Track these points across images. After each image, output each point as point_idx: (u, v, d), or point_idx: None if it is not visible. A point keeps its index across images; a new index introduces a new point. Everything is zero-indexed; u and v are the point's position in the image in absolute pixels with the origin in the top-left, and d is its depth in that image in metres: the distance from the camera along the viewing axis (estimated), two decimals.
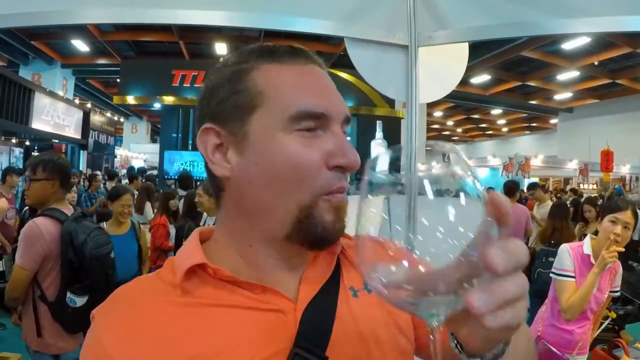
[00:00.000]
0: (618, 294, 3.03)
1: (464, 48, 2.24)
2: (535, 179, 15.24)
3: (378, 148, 12.53)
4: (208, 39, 15.92)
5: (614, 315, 4.27)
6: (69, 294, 2.69)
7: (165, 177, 14.20)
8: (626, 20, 1.97)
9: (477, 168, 22.07)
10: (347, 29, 2.12)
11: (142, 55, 18.49)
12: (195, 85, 13.83)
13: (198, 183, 7.71)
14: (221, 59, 0.80)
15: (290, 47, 0.76)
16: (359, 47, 2.10)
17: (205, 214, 4.56)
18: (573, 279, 2.77)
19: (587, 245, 2.84)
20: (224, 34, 15.39)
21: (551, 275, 2.91)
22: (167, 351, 0.66)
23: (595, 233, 2.92)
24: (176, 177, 13.81)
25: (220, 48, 16.30)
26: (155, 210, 7.06)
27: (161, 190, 9.20)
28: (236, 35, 15.54)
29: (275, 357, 0.68)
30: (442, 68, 2.18)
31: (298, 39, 10.19)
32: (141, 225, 4.43)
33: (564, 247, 2.89)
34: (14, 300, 2.68)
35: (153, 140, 31.66)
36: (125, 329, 0.68)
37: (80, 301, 2.66)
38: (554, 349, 2.81)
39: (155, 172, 15.37)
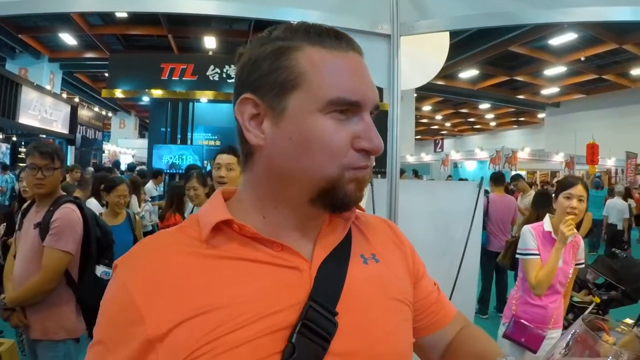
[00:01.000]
0: (585, 268, 3.18)
1: (445, 37, 2.31)
2: (523, 172, 15.43)
3: None
4: (197, 33, 15.91)
5: (598, 300, 4.40)
6: (104, 269, 2.81)
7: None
8: (608, 11, 2.06)
9: (464, 161, 22.25)
10: (334, 19, 2.18)
11: (131, 49, 18.43)
12: (184, 78, 13.76)
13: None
14: (265, 31, 0.83)
15: (335, 33, 0.80)
16: None
17: (190, 205, 4.55)
18: (538, 257, 2.94)
19: (547, 223, 3.02)
20: (213, 27, 15.37)
21: (517, 256, 3.07)
22: (192, 300, 0.72)
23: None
24: (168, 170, 13.79)
25: (209, 42, 16.28)
26: (150, 204, 7.06)
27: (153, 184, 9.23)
28: (225, 30, 15.53)
29: (291, 309, 0.75)
30: (423, 56, 2.26)
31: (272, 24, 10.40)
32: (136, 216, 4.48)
33: (526, 228, 3.06)
34: (47, 293, 2.63)
35: (141, 136, 31.55)
36: (151, 277, 0.74)
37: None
38: (530, 325, 2.93)
39: (144, 167, 15.33)
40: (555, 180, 18.60)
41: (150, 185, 9.13)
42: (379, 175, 6.55)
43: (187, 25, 15.35)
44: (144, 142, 23.20)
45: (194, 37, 16.37)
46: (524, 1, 2.21)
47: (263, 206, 0.83)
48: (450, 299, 2.56)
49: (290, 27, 0.81)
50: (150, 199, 7.69)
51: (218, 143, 16.60)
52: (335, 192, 0.77)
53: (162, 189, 9.81)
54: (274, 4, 2.17)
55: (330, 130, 0.75)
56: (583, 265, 3.17)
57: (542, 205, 5.36)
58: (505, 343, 3.01)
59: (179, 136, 15.33)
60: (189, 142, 15.34)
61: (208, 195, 4.29)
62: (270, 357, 0.71)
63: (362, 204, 0.92)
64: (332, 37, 0.79)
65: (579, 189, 2.91)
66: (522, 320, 2.98)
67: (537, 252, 2.95)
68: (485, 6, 2.22)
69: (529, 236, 3.00)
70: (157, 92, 14.11)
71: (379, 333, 0.82)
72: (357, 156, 0.78)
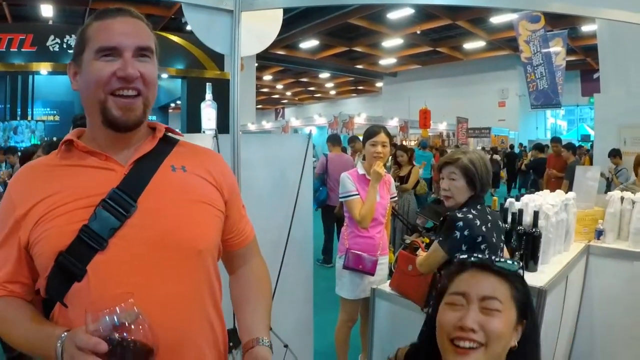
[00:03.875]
0: (416, 214, 3.73)
1: (279, 12, 2.79)
2: (360, 137, 16.36)
3: (208, 109, 12.61)
4: (32, 0, 14.72)
5: (427, 241, 5.10)
6: None
7: None
8: None
9: (304, 127, 22.97)
10: None
11: None
12: (23, 49, 12.85)
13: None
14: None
15: (117, 9, 1.19)
16: (194, 11, 2.55)
17: None
18: (358, 196, 3.43)
19: (360, 167, 3.56)
20: None
21: (341, 200, 3.57)
22: (41, 191, 1.13)
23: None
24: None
25: (46, 10, 15.17)
26: None
27: None
28: None
29: (103, 195, 1.13)
30: (260, 28, 2.72)
31: (128, 1, 10.15)
32: None
33: (344, 175, 3.55)
34: None
35: None
36: (22, 183, 1.19)
37: None
38: (363, 253, 3.41)
39: None
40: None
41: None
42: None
43: None
44: None
45: (30, 4, 15.11)
46: None
47: (90, 130, 1.23)
48: (289, 231, 3.10)
49: (94, 14, 1.21)
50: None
51: (57, 118, 15.87)
52: (107, 113, 1.15)
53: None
54: None
55: (100, 68, 1.13)
56: (396, 198, 3.76)
57: None
58: (345, 273, 3.46)
59: (19, 112, 14.29)
60: (29, 118, 14.41)
61: None
62: (80, 222, 1.10)
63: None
64: (112, 12, 1.18)
65: (382, 137, 3.45)
66: (355, 251, 3.42)
67: (356, 193, 3.43)
68: None
69: (348, 181, 3.47)
70: None
71: (175, 218, 1.18)
72: (118, 82, 1.13)
